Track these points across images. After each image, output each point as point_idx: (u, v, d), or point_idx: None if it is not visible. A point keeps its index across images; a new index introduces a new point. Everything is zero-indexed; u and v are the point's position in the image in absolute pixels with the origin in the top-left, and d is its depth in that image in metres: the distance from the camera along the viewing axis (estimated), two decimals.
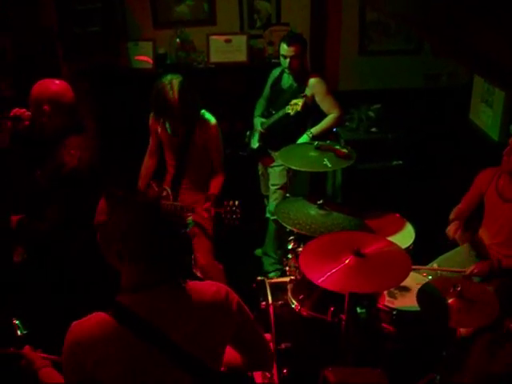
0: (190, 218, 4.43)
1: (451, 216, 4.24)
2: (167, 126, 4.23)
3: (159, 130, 4.41)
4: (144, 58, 6.10)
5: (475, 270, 3.79)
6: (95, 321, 2.05)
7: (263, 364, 2.59)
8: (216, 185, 4.39)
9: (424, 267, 3.99)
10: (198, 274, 4.35)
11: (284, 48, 4.91)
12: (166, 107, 4.06)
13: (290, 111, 4.77)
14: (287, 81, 5.14)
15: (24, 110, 3.60)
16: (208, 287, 2.22)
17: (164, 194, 4.35)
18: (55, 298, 3.57)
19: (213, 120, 4.34)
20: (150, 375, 2.04)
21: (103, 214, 2.24)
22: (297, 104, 4.72)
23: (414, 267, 3.58)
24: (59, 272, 3.65)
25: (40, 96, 3.56)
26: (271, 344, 3.30)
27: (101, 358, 2.00)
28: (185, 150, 4.34)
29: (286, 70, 5.04)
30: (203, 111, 4.33)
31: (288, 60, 4.92)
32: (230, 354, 2.36)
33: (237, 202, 4.00)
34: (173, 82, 4.04)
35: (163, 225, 2.11)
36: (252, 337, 2.39)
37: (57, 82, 3.63)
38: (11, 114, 3.60)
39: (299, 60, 4.98)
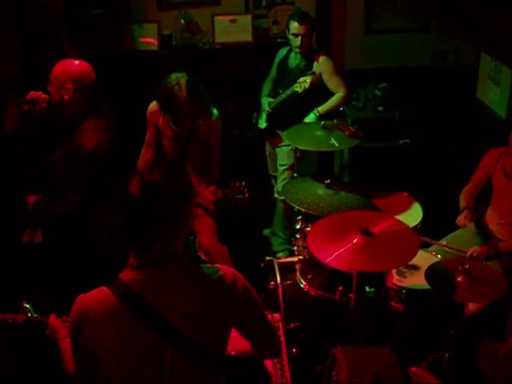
0: None
1: (461, 202, 4.20)
2: (172, 120, 4.21)
3: (160, 121, 4.37)
4: (149, 40, 6.08)
5: (474, 254, 3.78)
6: (98, 295, 2.12)
7: (270, 352, 2.51)
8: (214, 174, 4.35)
9: (431, 241, 3.98)
10: (203, 257, 4.35)
11: (295, 26, 4.88)
12: (176, 106, 4.03)
13: (298, 89, 4.75)
14: (294, 60, 5.11)
15: (40, 92, 3.60)
16: (214, 271, 2.22)
17: None
18: (69, 281, 3.58)
19: (215, 113, 4.31)
20: (143, 352, 2.09)
21: None
22: (305, 81, 4.69)
23: (422, 238, 3.59)
24: (76, 255, 3.67)
25: (64, 74, 3.57)
26: (280, 324, 3.31)
27: (99, 331, 2.07)
28: (189, 142, 4.30)
29: (296, 49, 5.01)
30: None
31: (299, 38, 4.89)
32: (241, 340, 2.37)
33: (244, 183, 3.98)
34: (180, 82, 4.00)
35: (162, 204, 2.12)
36: (258, 324, 2.34)
37: (78, 62, 3.66)
38: (28, 97, 3.60)
39: (309, 38, 4.97)
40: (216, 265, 2.29)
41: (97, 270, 3.54)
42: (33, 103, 3.59)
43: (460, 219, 4.09)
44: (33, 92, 3.61)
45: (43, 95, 3.59)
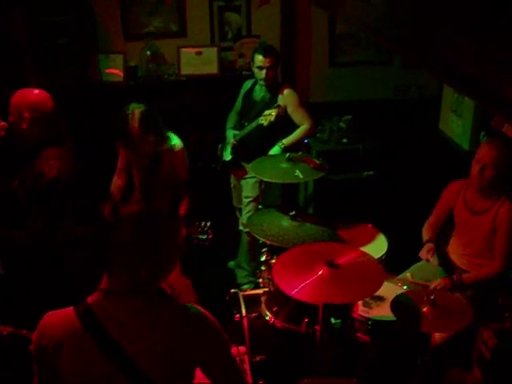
0: None
1: (424, 235, 4.24)
2: (126, 148, 4.22)
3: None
4: (114, 71, 6.08)
5: (437, 287, 3.78)
6: (63, 315, 2.11)
7: None
8: (182, 206, 4.29)
9: (393, 278, 3.96)
10: (166, 290, 4.28)
11: (260, 59, 4.90)
12: (127, 135, 4.08)
13: (263, 122, 4.75)
14: (259, 93, 5.13)
15: None
16: (185, 310, 2.17)
17: None
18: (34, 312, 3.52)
19: (179, 144, 4.32)
20: (99, 380, 2.05)
21: None
22: (270, 114, 4.70)
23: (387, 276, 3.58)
24: (39, 285, 3.61)
25: (21, 103, 3.58)
26: (246, 356, 3.28)
27: (59, 351, 2.06)
28: (154, 172, 4.26)
29: (260, 82, 5.03)
30: (169, 134, 4.31)
31: (264, 71, 4.92)
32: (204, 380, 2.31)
33: (208, 223, 3.93)
34: (134, 112, 4.05)
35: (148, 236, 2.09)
36: (225, 368, 2.25)
37: (36, 91, 3.67)
38: None
39: (274, 71, 4.99)
40: (189, 304, 2.24)
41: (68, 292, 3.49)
42: None
43: (422, 253, 4.12)
44: None
45: (2, 122, 3.59)
